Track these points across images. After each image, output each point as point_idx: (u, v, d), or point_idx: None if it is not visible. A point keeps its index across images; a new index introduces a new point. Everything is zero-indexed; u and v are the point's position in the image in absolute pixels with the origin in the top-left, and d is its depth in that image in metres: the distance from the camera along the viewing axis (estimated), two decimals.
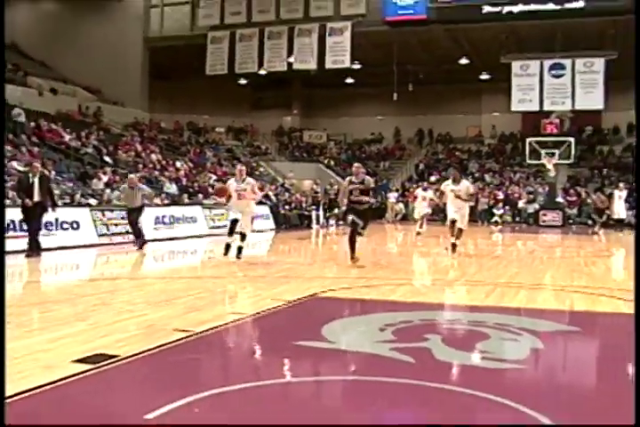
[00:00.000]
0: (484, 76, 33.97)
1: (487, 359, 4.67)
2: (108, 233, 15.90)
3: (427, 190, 19.97)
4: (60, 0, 32.72)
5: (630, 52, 26.24)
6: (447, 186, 13.19)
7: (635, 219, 19.96)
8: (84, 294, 7.81)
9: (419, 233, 18.61)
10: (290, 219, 25.25)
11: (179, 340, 5.08)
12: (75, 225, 15.00)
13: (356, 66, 29.49)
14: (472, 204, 16.83)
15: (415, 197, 21.62)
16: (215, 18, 29.62)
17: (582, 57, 26.85)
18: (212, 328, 5.58)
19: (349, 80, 35.24)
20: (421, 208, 19.75)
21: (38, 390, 3.75)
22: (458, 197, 13.00)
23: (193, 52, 29.51)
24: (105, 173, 21.22)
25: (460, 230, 13.12)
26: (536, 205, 29.17)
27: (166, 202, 20.82)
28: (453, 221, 13.03)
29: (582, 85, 26.79)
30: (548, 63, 27.32)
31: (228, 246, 11.46)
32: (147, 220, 16.50)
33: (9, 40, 32.66)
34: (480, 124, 38.30)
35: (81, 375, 4.08)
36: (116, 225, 16.17)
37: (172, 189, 23.22)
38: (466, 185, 13.29)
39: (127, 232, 15.74)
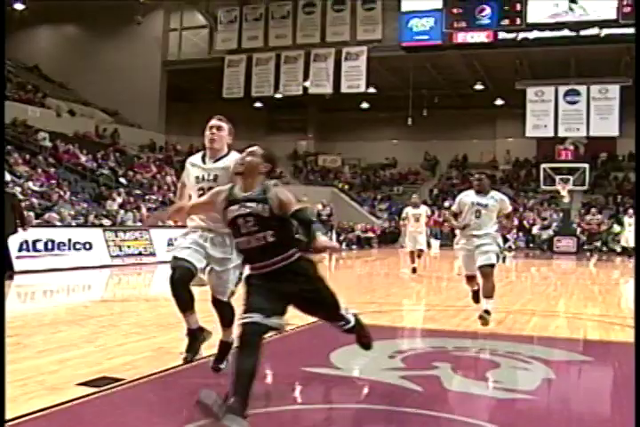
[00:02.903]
0: (499, 102, 34.01)
1: (497, 389, 4.61)
2: (120, 254, 15.93)
3: (418, 207, 15.37)
4: (80, 24, 33.09)
5: None
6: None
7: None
8: (93, 316, 7.80)
9: (414, 270, 14.80)
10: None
11: (187, 363, 5.04)
12: (87, 246, 15.04)
13: (372, 90, 29.60)
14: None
15: (404, 223, 15.63)
16: (232, 42, 29.89)
17: (597, 83, 26.83)
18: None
19: (365, 105, 35.39)
20: (415, 235, 14.97)
21: (40, 413, 3.72)
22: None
23: (210, 75, 29.76)
24: (119, 195, 21.32)
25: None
26: (550, 232, 29.00)
27: (179, 224, 20.83)
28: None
29: (597, 112, 26.75)
30: (562, 89, 27.31)
31: None
32: (160, 241, 16.54)
33: (31, 63, 33.16)
34: (494, 150, 38.27)
35: (84, 399, 4.05)
36: (129, 246, 16.21)
37: None
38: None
39: (140, 254, 15.77)
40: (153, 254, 16.78)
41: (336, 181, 36.95)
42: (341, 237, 28.32)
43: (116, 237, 16.09)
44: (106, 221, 18.33)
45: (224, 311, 4.89)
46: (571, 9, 25.04)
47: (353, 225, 29.93)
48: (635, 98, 20.09)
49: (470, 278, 7.82)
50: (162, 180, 26.44)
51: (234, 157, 4.69)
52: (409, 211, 15.19)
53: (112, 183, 23.39)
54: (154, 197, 23.65)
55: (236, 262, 4.71)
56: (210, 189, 4.55)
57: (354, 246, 28.66)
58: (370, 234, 30.08)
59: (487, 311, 7.25)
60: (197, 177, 4.88)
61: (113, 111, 31.94)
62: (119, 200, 20.79)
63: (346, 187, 36.27)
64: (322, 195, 33.60)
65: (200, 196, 4.71)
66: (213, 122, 4.94)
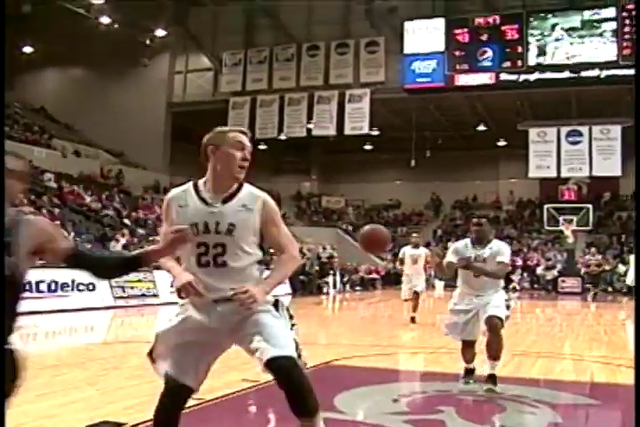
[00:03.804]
0: (502, 143, 34.23)
1: None
2: (124, 295, 15.89)
3: (417, 247, 13.85)
4: (87, 66, 33.51)
5: None
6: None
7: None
8: (96, 358, 7.75)
9: (413, 319, 13.20)
10: (306, 284, 25.07)
11: (189, 407, 4.99)
12: (91, 287, 14.99)
13: (375, 132, 29.80)
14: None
15: (402, 262, 14.02)
16: (237, 84, 30.25)
17: (599, 124, 27.01)
18: (223, 396, 5.49)
19: (368, 146, 35.62)
20: (411, 277, 13.68)
21: None
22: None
23: (215, 117, 29.91)
24: (123, 235, 21.33)
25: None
26: (555, 272, 28.90)
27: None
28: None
29: (599, 152, 26.86)
30: (564, 130, 27.47)
31: None
32: (163, 283, 16.51)
33: (38, 104, 33.52)
34: (498, 190, 38.38)
35: None
36: (132, 288, 16.17)
37: None
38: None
39: (143, 295, 15.72)
40: (156, 296, 16.74)
41: (340, 222, 37.00)
42: (345, 279, 28.23)
43: (120, 278, 16.07)
44: None
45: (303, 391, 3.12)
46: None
47: (357, 266, 29.86)
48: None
49: (469, 345, 6.41)
50: None
51: (249, 191, 3.37)
52: (406, 251, 13.54)
53: (116, 224, 23.43)
54: (158, 237, 23.62)
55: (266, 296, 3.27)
56: (222, 248, 3.23)
57: (358, 288, 28.55)
58: (374, 275, 29.99)
59: (493, 379, 6.04)
60: (196, 225, 3.23)
61: (118, 152, 32.17)
62: (123, 241, 20.79)
63: (350, 228, 36.28)
64: (326, 236, 33.62)
65: (200, 257, 3.25)
66: (245, 140, 3.40)
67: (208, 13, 30.83)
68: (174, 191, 3.41)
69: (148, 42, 31.26)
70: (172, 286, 14.08)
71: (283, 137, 29.62)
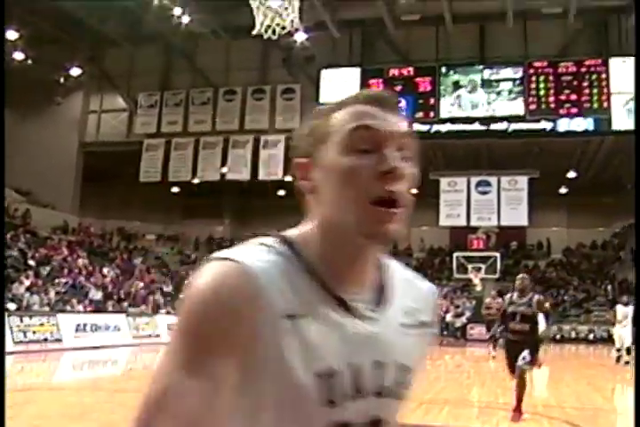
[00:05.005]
0: (413, 191, 34.85)
1: None
2: (24, 340, 15.28)
3: None
4: None
5: (551, 169, 27.54)
6: None
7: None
8: None
9: None
10: None
11: None
12: None
13: (288, 178, 29.87)
14: None
15: None
16: (152, 126, 30.00)
17: (507, 175, 27.85)
18: None
19: (281, 192, 35.73)
20: None
21: None
22: None
23: (128, 158, 29.62)
24: (27, 278, 20.66)
25: None
26: (463, 319, 29.36)
27: (89, 309, 20.28)
28: None
29: (507, 202, 27.63)
30: (474, 180, 28.20)
31: None
32: (68, 327, 15.99)
33: None
34: (409, 238, 38.95)
35: None
36: (34, 332, 15.59)
37: (98, 295, 22.70)
38: None
39: (46, 340, 15.17)
40: (59, 340, 16.17)
41: None
42: None
43: (21, 322, 15.48)
44: (11, 305, 17.66)
45: None
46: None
47: None
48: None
49: None
50: (73, 263, 25.80)
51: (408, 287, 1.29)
52: None
53: (20, 265, 22.68)
54: (63, 280, 23.00)
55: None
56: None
57: None
58: None
59: None
60: (332, 376, 1.05)
61: (25, 191, 31.31)
62: (27, 283, 20.13)
63: None
64: None
65: None
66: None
67: (125, 53, 30.63)
68: (256, 265, 1.05)
69: (62, 80, 30.82)
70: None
71: (196, 180, 29.44)
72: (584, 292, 31.26)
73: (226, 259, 1.05)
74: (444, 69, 26.74)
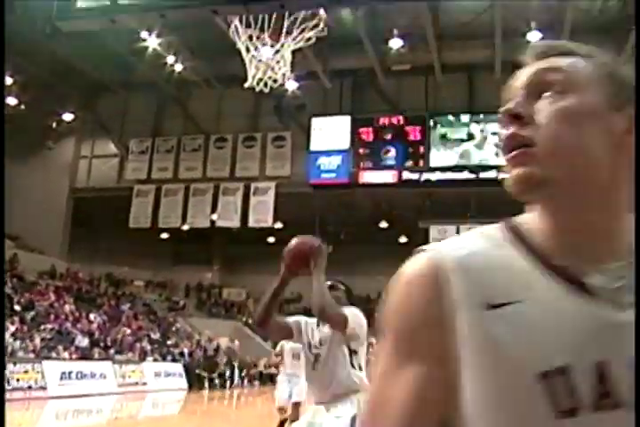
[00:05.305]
0: (403, 239, 34.89)
1: None
2: (8, 388, 14.98)
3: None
4: None
5: None
6: None
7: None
8: None
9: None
10: (203, 379, 24.34)
11: None
12: None
13: (279, 225, 29.94)
14: None
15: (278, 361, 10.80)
16: (142, 172, 30.07)
17: (495, 223, 27.88)
18: None
19: (271, 239, 35.64)
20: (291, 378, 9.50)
21: None
22: None
23: (117, 204, 29.58)
24: (12, 323, 20.38)
25: None
26: None
27: (75, 356, 19.97)
28: None
29: None
30: (463, 228, 28.23)
31: None
32: (53, 374, 15.71)
33: None
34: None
35: None
36: (18, 380, 15.31)
37: (84, 342, 22.39)
38: None
39: (29, 387, 14.89)
40: (44, 388, 15.87)
41: (239, 315, 36.51)
42: (243, 374, 27.63)
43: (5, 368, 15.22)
44: None
45: None
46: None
47: (256, 361, 29.30)
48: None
49: None
50: (60, 308, 25.51)
51: None
52: (284, 344, 9.66)
53: (6, 311, 22.40)
54: (49, 326, 22.71)
55: None
56: None
57: (256, 382, 27.93)
58: (273, 370, 29.42)
59: None
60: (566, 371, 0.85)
61: (13, 236, 31.13)
62: (12, 329, 19.85)
63: (250, 321, 35.82)
64: (225, 328, 33.11)
65: None
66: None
67: (117, 100, 30.85)
68: (451, 254, 1.05)
69: (54, 125, 30.98)
70: None
71: (186, 227, 29.39)
72: None
73: (424, 251, 1.08)
74: (431, 123, 26.99)
